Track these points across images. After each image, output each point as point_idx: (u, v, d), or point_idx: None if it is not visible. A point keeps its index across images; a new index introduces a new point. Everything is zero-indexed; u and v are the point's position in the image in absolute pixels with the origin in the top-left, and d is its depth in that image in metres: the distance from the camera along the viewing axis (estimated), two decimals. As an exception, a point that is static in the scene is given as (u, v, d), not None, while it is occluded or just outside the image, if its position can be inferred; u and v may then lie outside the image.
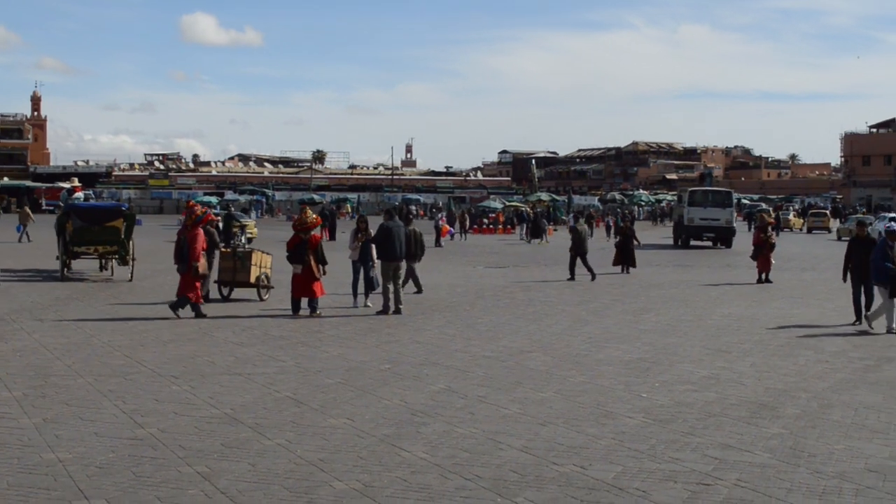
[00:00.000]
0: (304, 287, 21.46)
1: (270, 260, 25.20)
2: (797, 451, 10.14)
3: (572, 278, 31.43)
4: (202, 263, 21.34)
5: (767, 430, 11.02)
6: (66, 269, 30.30)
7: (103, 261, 31.26)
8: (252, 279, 23.99)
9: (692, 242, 55.07)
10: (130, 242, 30.05)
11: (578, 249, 32.16)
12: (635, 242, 36.32)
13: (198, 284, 21.15)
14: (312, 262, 21.37)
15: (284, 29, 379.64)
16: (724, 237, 54.26)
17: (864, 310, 20.50)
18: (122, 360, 15.36)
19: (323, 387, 13.38)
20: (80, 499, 8.38)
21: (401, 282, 22.13)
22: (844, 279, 21.24)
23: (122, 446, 10.03)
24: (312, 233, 22.10)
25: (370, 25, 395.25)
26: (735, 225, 55.87)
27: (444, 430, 10.90)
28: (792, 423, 11.39)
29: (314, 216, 22.89)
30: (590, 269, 31.69)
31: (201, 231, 21.57)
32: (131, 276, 29.62)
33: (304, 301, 21.60)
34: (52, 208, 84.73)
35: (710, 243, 54.95)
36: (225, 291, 24.69)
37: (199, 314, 20.76)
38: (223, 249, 25.05)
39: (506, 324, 20.40)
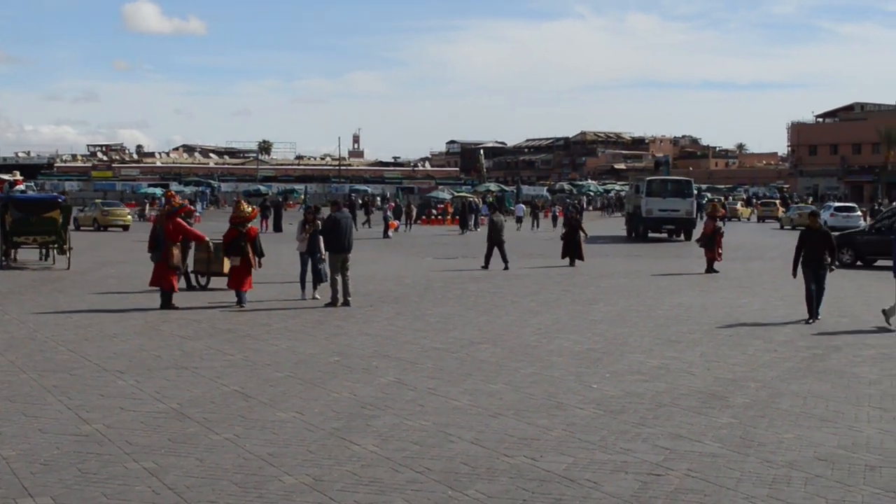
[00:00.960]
0: (239, 279, 21.46)
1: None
2: (747, 440, 10.17)
3: (486, 267, 32.09)
4: (176, 254, 21.10)
5: (717, 420, 11.05)
6: (7, 259, 31.59)
7: (44, 250, 32.72)
8: (226, 269, 23.93)
9: (650, 234, 53.18)
10: (67, 232, 31.51)
11: (495, 240, 32.83)
12: (582, 234, 35.12)
13: (173, 276, 21.06)
14: (250, 255, 21.42)
15: (228, 17, 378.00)
16: (684, 229, 52.06)
17: (815, 304, 19.56)
18: (67, 354, 15.15)
19: (271, 380, 13.26)
20: (24, 496, 8.23)
21: (349, 273, 21.99)
22: (794, 273, 20.09)
23: (67, 443, 9.88)
24: (250, 225, 22.08)
25: (315, 13, 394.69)
26: (695, 216, 53.42)
27: (394, 423, 10.83)
28: (741, 413, 11.43)
29: (250, 208, 22.88)
30: (505, 259, 32.40)
31: (180, 220, 21.49)
32: (69, 265, 30.79)
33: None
34: None
35: (665, 235, 53.32)
36: (203, 281, 25.38)
37: (167, 304, 20.77)
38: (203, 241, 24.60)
39: (455, 315, 20.36)
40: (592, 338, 17.28)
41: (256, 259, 21.61)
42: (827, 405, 11.90)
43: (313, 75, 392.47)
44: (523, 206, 76.27)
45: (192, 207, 27.98)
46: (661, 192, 52.58)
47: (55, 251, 31.98)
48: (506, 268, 31.79)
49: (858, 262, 34.50)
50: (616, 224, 69.44)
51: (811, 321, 19.37)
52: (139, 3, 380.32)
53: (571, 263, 34.02)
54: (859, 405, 11.92)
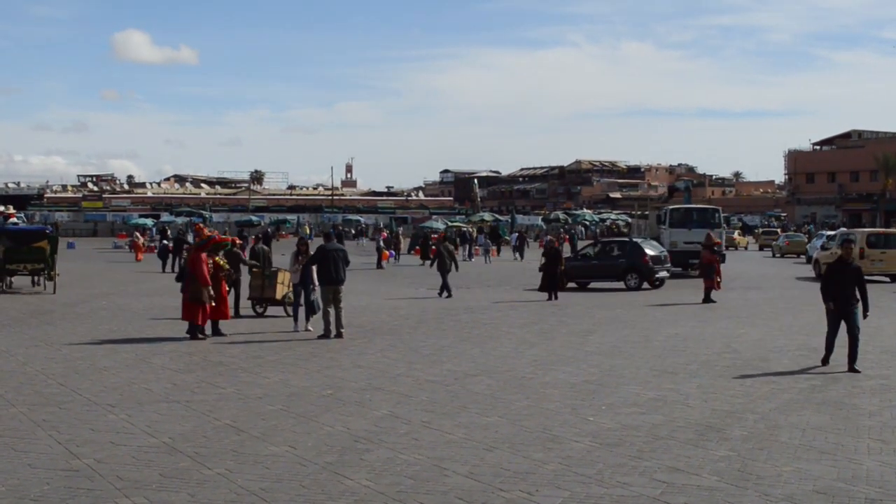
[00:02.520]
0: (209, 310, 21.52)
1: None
2: (745, 473, 10.06)
3: (441, 294, 33.28)
4: (199, 288, 21.03)
5: (715, 453, 10.94)
6: (3, 283, 35.13)
7: (35, 277, 35.70)
8: (278, 296, 25.90)
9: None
10: (55, 260, 34.93)
11: (441, 268, 33.89)
12: (563, 267, 34.25)
13: (201, 308, 21.07)
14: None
15: (220, 47, 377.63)
16: None
17: (850, 353, 17.02)
18: (56, 388, 15.02)
19: (264, 414, 13.14)
20: (12, 534, 8.13)
21: (342, 305, 21.86)
22: (828, 305, 17.37)
23: (56, 478, 9.75)
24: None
25: (306, 43, 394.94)
26: (725, 251, 46.98)
27: (388, 457, 10.72)
28: (739, 446, 11.32)
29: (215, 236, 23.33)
30: (447, 288, 33.32)
31: (203, 255, 21.51)
32: (54, 290, 34.08)
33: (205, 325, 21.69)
34: None
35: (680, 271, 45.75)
36: (259, 309, 26.56)
37: (196, 335, 20.93)
38: (255, 269, 26.68)
39: (449, 347, 20.25)
40: (588, 369, 17.16)
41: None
42: (826, 437, 11.79)
43: (305, 105, 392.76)
44: (517, 234, 76.29)
45: (237, 240, 29.22)
46: (686, 222, 46.83)
47: (45, 278, 35.07)
48: (448, 296, 32.81)
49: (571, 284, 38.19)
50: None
51: (825, 365, 17.34)
52: (129, 31, 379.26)
53: (551, 297, 32.39)
54: (859, 437, 11.81)
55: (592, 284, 38.89)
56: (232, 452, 10.95)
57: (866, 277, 18.62)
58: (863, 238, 40.96)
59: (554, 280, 32.94)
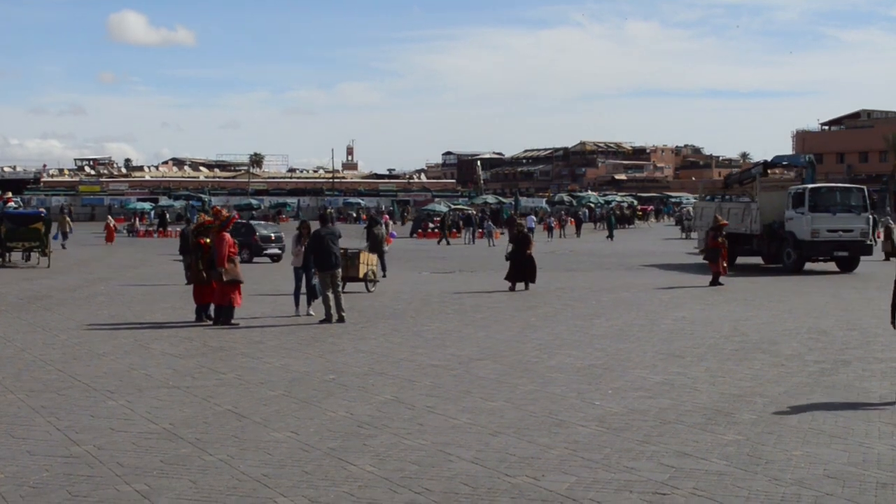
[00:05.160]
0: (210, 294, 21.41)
1: (375, 258, 30.17)
2: (754, 457, 9.92)
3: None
4: (230, 269, 20.99)
5: (723, 437, 10.80)
6: (3, 259, 41.54)
7: (27, 253, 41.90)
8: (360, 274, 28.35)
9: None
10: (49, 239, 41.39)
11: (375, 250, 33.01)
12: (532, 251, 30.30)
13: (234, 290, 20.99)
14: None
15: (217, 28, 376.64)
16: (856, 255, 38.25)
17: None
18: (55, 374, 14.90)
19: (265, 399, 13.02)
20: (12, 521, 8.02)
21: (340, 289, 21.69)
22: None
23: (56, 465, 9.64)
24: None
25: (305, 24, 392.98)
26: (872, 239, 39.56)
27: (392, 443, 10.59)
28: (748, 430, 11.17)
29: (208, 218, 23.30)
30: (384, 267, 33.45)
31: (227, 235, 21.48)
32: (49, 264, 39.90)
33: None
34: None
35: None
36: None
37: (226, 320, 20.81)
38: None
39: (453, 331, 20.12)
40: (594, 353, 17.02)
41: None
42: (836, 421, 11.63)
43: (304, 86, 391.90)
44: (534, 217, 76.75)
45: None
46: (830, 204, 38.52)
47: (38, 254, 40.99)
48: (383, 275, 32.81)
49: None
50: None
51: None
52: (125, 13, 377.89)
53: (525, 286, 29.42)
54: (869, 421, 11.65)
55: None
56: (233, 438, 10.83)
57: None
58: None
59: (522, 268, 29.64)
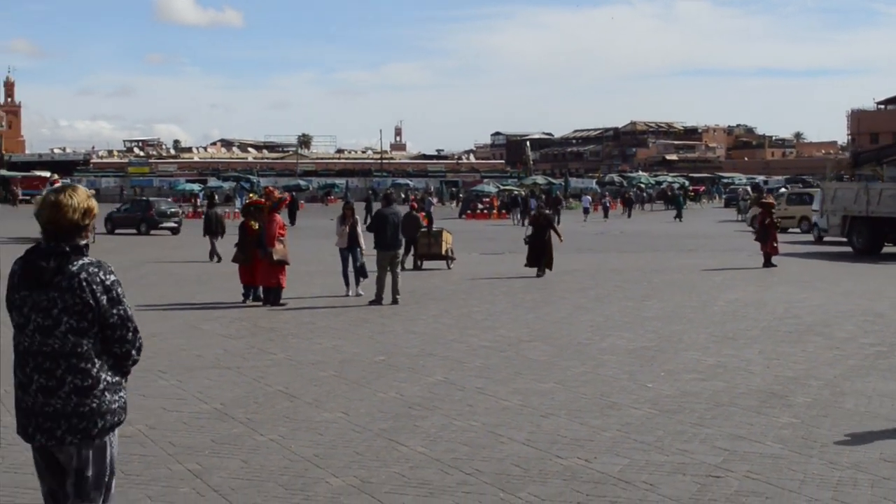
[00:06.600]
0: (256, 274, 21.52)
1: (451, 238, 31.03)
2: (809, 440, 9.80)
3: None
4: (279, 249, 21.10)
5: (778, 420, 10.68)
6: None
7: None
8: (442, 252, 30.10)
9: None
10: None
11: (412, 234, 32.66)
12: (556, 237, 28.86)
13: (281, 271, 21.09)
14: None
15: (265, 8, 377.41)
16: None
17: None
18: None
19: (316, 380, 13.03)
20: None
21: (398, 270, 21.65)
22: None
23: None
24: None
25: (352, 4, 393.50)
26: None
27: (443, 424, 10.56)
28: (803, 413, 11.04)
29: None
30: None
31: (277, 216, 21.71)
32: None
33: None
34: (28, 198, 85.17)
35: None
36: (419, 263, 30.17)
37: (275, 301, 20.91)
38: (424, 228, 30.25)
39: (503, 312, 20.05)
40: (646, 335, 16.88)
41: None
42: (893, 404, 11.45)
43: (352, 67, 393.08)
44: (589, 198, 76.62)
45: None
46: None
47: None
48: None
49: None
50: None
51: None
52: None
53: (540, 272, 27.71)
54: (927, 404, 11.48)
55: None
56: (284, 419, 10.84)
57: None
58: None
59: (541, 254, 27.97)
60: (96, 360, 5.56)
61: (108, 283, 5.56)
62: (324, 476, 8.66)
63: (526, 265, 28.12)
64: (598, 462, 9.06)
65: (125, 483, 8.39)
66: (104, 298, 5.54)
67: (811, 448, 9.52)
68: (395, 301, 21.17)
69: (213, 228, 34.37)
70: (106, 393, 5.58)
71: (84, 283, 5.48)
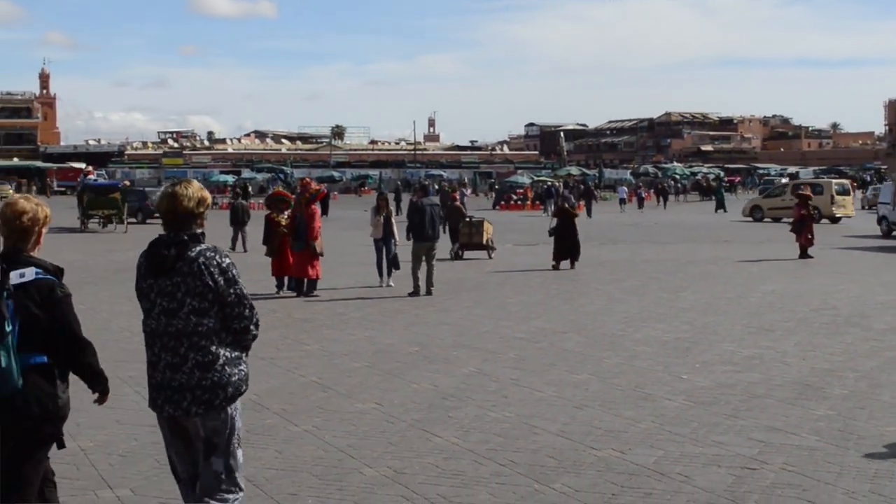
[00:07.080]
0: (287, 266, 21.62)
1: (492, 228, 31.80)
2: (846, 433, 9.72)
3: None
4: (319, 242, 21.26)
5: (814, 412, 10.60)
6: (84, 226, 45.94)
7: (104, 221, 46.47)
8: (483, 241, 30.66)
9: None
10: (125, 208, 45.88)
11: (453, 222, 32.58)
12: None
13: (316, 262, 21.20)
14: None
15: (298, 0, 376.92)
16: None
17: None
18: (140, 345, 14.78)
19: (349, 371, 13.05)
20: (103, 487, 8.18)
21: (434, 262, 21.60)
22: None
23: (144, 434, 9.71)
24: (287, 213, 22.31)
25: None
26: None
27: (477, 415, 10.55)
28: (840, 405, 10.96)
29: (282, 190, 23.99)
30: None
31: (317, 209, 21.88)
32: (126, 229, 44.43)
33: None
34: (63, 189, 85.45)
35: None
36: (461, 252, 30.70)
37: (309, 292, 21.06)
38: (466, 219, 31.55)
39: (537, 303, 20.01)
40: (681, 326, 16.80)
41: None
42: (931, 397, 11.37)
43: (385, 58, 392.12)
44: (625, 188, 76.50)
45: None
46: None
47: (116, 222, 45.62)
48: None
49: None
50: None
51: None
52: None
53: (571, 265, 27.11)
54: (966, 396, 11.37)
55: None
56: (318, 409, 10.87)
57: None
58: None
59: (566, 247, 27.29)
60: (215, 338, 6.07)
61: (223, 265, 6.09)
62: (357, 466, 8.67)
63: (553, 261, 27.04)
64: (632, 453, 9.02)
65: (160, 472, 8.45)
66: (221, 279, 6.05)
67: (847, 440, 9.44)
68: (429, 292, 21.15)
69: (241, 219, 34.92)
70: (226, 367, 6.09)
71: (203, 267, 6.02)
